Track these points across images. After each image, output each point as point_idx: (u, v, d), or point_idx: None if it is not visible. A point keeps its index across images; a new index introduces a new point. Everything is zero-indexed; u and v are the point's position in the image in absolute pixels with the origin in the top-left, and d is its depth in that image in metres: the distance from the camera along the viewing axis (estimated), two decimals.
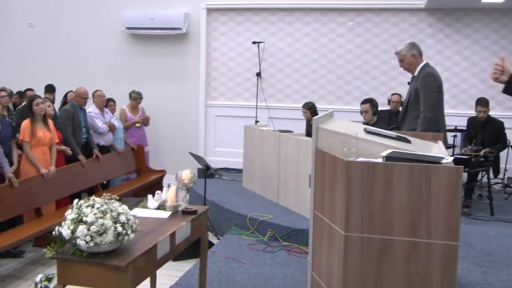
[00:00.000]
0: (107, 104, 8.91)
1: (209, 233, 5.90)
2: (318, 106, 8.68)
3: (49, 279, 4.06)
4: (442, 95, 5.42)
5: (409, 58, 5.40)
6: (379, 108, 7.62)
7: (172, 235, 3.89)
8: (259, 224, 6.64)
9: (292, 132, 7.80)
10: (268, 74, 9.91)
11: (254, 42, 9.59)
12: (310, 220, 3.78)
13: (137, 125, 9.42)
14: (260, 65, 9.75)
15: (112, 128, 8.65)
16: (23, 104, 8.16)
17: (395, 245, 3.14)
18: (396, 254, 3.15)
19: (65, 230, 3.29)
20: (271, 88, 9.92)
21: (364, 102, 7.47)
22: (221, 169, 9.31)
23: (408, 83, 5.64)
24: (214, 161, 9.36)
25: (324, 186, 3.53)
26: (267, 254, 6.05)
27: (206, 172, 7.09)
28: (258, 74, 9.76)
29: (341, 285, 3.23)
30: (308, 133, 7.87)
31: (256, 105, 9.65)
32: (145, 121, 9.54)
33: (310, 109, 8.45)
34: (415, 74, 5.41)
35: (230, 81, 10.14)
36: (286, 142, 7.25)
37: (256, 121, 9.46)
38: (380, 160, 3.23)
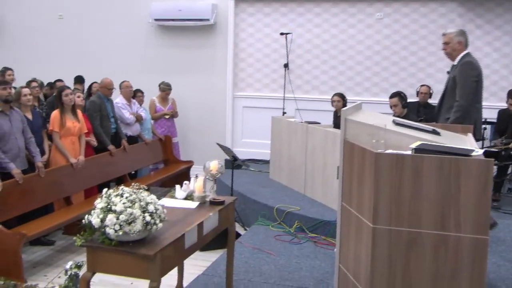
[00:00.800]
0: (135, 95, 8.98)
1: (236, 224, 5.91)
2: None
3: (78, 267, 4.13)
4: (481, 86, 5.36)
5: (455, 43, 5.35)
6: (408, 100, 7.55)
7: (200, 225, 3.91)
8: (286, 215, 6.64)
9: (319, 123, 7.77)
10: (295, 65, 9.88)
11: (281, 33, 9.57)
12: (338, 212, 3.77)
13: (166, 116, 9.47)
14: (287, 56, 9.73)
15: (139, 119, 8.71)
16: (53, 94, 8.27)
17: (423, 238, 3.12)
18: (425, 247, 3.12)
19: (94, 219, 3.34)
20: (298, 79, 9.89)
21: (393, 96, 7.40)
22: (248, 160, 9.33)
23: (448, 72, 5.58)
24: (241, 152, 9.37)
25: (352, 177, 3.51)
26: (293, 245, 6.06)
27: (233, 163, 7.11)
28: (286, 65, 9.74)
29: (369, 277, 3.22)
30: (336, 125, 7.84)
31: (284, 97, 9.64)
32: (174, 114, 9.60)
33: (344, 98, 8.41)
34: (455, 62, 5.36)
35: (258, 72, 10.13)
36: (313, 134, 7.23)
37: (284, 113, 9.44)
38: (409, 152, 3.20)
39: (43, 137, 6.92)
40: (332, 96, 8.60)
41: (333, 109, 8.64)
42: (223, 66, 10.17)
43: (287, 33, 9.55)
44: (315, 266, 5.47)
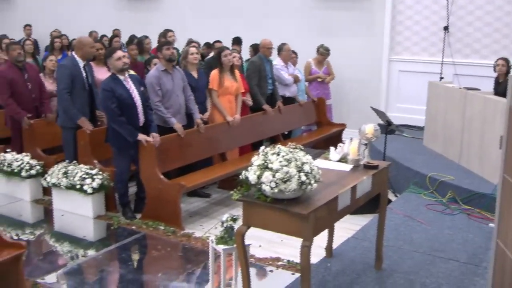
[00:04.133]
0: None
1: None
2: None
3: (234, 220, 4.29)
4: None
5: None
6: None
7: (353, 189, 3.91)
8: (439, 184, 6.46)
9: (479, 90, 7.41)
10: (456, 28, 9.39)
11: None
12: (498, 185, 3.59)
13: (319, 80, 9.48)
14: (448, 18, 9.27)
15: (296, 80, 8.79)
16: (210, 55, 8.56)
17: None
18: None
19: (251, 175, 3.45)
20: (458, 42, 9.41)
21: None
22: (402, 125, 9.12)
23: None
24: (395, 117, 9.13)
25: None
26: (446, 216, 5.90)
27: (387, 128, 6.98)
28: (446, 28, 9.30)
29: None
30: (497, 92, 7.45)
31: (442, 61, 9.24)
32: (329, 80, 9.57)
33: (508, 63, 7.89)
34: None
35: (416, 35, 9.77)
36: (472, 101, 6.90)
37: (441, 78, 9.08)
38: None
39: (206, 95, 7.21)
40: (496, 61, 8.08)
41: (495, 74, 8.14)
42: (380, 29, 9.92)
43: None
44: (468, 239, 5.29)
